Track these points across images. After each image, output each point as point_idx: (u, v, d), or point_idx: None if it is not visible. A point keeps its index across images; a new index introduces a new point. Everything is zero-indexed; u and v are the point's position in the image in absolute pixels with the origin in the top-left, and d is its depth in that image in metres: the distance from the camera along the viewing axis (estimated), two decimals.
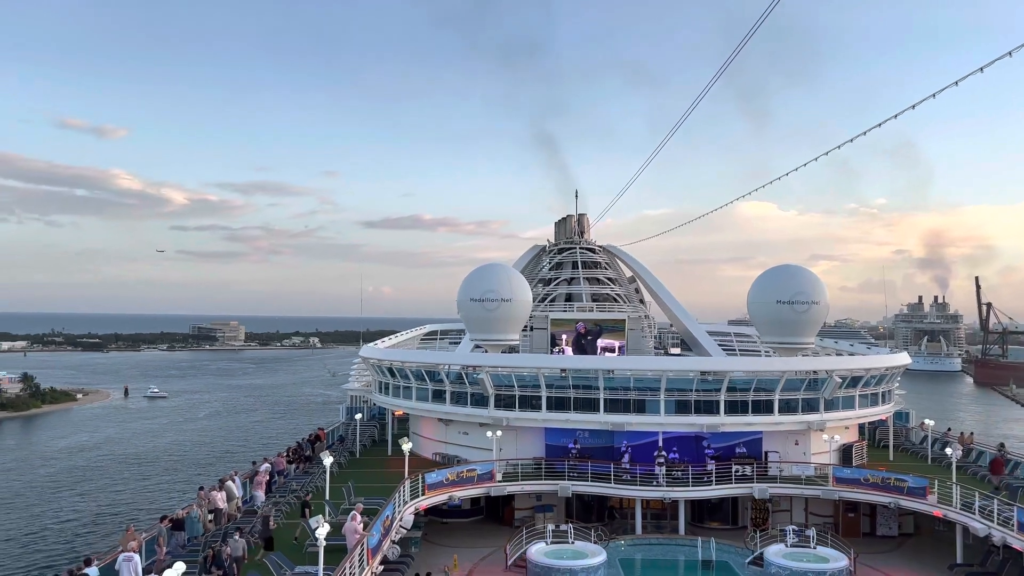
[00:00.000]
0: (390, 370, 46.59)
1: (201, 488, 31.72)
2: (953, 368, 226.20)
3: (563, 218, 63.55)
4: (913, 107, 34.67)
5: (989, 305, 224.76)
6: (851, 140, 37.36)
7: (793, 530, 35.34)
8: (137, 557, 23.34)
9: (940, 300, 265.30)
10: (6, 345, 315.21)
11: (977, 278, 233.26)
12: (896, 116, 35.70)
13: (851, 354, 50.29)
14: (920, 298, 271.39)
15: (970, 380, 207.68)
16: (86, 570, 22.05)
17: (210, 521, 29.60)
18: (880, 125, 37.24)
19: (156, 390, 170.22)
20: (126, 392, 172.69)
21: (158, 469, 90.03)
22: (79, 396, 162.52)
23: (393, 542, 30.76)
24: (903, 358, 47.24)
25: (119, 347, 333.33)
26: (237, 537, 22.99)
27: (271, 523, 29.53)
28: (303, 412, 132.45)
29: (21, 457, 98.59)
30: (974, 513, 33.13)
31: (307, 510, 31.99)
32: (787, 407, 41.48)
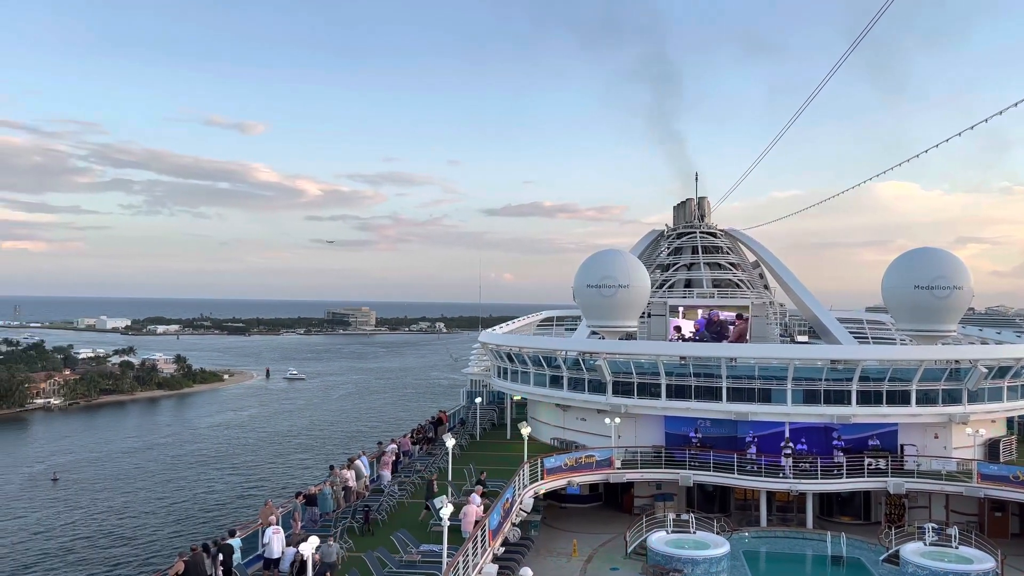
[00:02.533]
0: (508, 355, 47.27)
1: (332, 467, 33.40)
2: None
3: (682, 202, 62.10)
4: None
5: None
6: (1000, 113, 33.84)
7: (933, 528, 33.46)
8: (282, 530, 24.96)
9: None
10: (161, 329, 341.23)
11: None
12: None
13: (998, 342, 46.72)
14: None
15: None
16: (229, 540, 23.74)
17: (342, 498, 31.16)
18: None
19: (295, 372, 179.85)
20: (267, 374, 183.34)
21: (295, 447, 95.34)
22: (226, 377, 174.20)
23: (513, 524, 31.36)
24: None
25: (261, 331, 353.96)
26: (331, 543, 23.41)
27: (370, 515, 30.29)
28: (428, 395, 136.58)
29: (174, 432, 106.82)
30: None
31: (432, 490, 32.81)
32: (926, 398, 39.13)
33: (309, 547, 19.19)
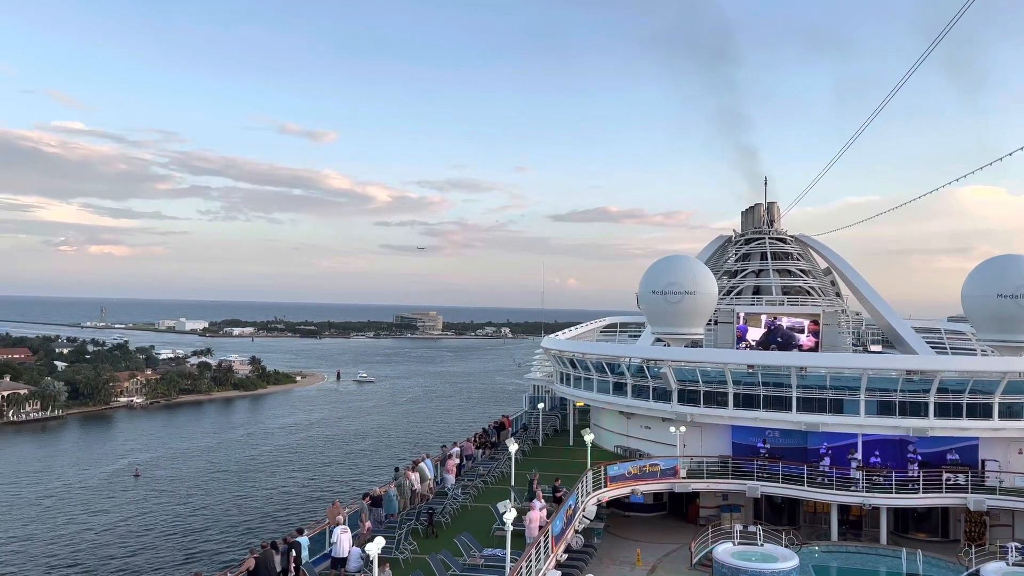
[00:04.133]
0: (571, 361, 47.19)
1: (397, 468, 33.93)
2: None
3: (751, 207, 60.91)
4: None
5: None
6: None
7: (1016, 547, 32.01)
8: (349, 530, 25.55)
9: None
10: (236, 331, 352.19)
11: None
12: None
13: None
14: None
15: None
16: (298, 539, 24.38)
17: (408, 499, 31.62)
18: None
19: (364, 375, 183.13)
20: (338, 376, 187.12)
21: (363, 448, 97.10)
22: (298, 378, 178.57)
23: (576, 531, 31.30)
24: None
25: (332, 334, 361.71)
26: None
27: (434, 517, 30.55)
28: (493, 399, 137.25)
29: (248, 432, 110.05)
30: None
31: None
32: (1009, 412, 37.46)
33: (375, 547, 19.56)
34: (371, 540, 19.84)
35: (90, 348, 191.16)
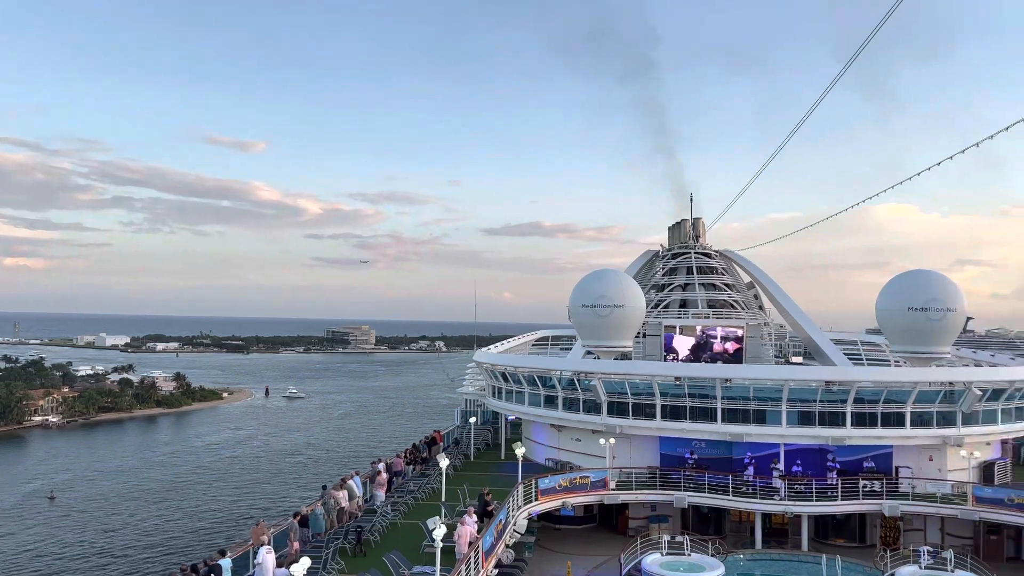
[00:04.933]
0: (503, 375, 47.32)
1: (325, 487, 33.37)
2: None
3: (677, 222, 62.42)
4: None
5: None
6: (991, 137, 34.15)
7: (928, 551, 33.31)
8: (274, 551, 24.98)
9: None
10: (160, 346, 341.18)
11: None
12: None
13: (992, 364, 46.81)
14: None
15: None
16: (220, 561, 23.72)
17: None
18: None
19: (294, 390, 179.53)
20: (267, 392, 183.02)
21: (292, 465, 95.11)
22: (225, 395, 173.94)
23: (507, 546, 31.27)
24: None
25: (260, 349, 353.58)
26: None
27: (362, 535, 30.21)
28: (427, 414, 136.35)
29: (171, 451, 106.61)
30: None
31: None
32: (920, 420, 39.15)
33: (301, 568, 19.20)
34: (297, 560, 19.49)
35: (1, 365, 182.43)
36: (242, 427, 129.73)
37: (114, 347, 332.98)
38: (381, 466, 38.57)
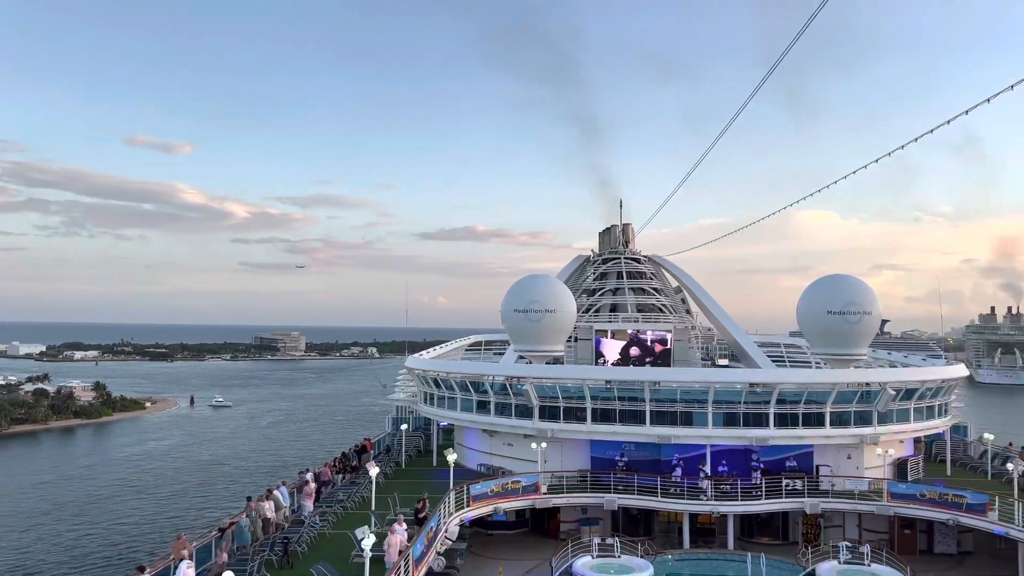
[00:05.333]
0: (435, 381, 47.09)
1: (249, 498, 32.55)
2: None
3: (607, 228, 63.41)
4: (988, 100, 30.37)
5: None
6: (902, 147, 35.84)
7: (846, 546, 34.47)
8: (194, 565, 24.27)
9: (1014, 311, 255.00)
10: (79, 355, 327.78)
11: None
12: (967, 112, 31.70)
13: (905, 365, 48.88)
14: (992, 309, 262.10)
15: None
16: None
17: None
18: (949, 123, 33.05)
19: (220, 399, 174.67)
20: (192, 401, 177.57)
21: (218, 476, 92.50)
22: (147, 404, 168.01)
23: (438, 553, 31.07)
24: (960, 370, 45.73)
25: (185, 357, 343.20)
26: None
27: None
28: (359, 422, 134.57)
29: (90, 464, 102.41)
30: None
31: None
32: (839, 420, 40.57)
33: None
34: (228, 572, 19.06)
35: None
36: (165, 437, 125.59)
37: (28, 356, 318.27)
38: (309, 476, 37.89)
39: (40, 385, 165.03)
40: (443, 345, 60.61)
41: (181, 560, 23.68)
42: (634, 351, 53.71)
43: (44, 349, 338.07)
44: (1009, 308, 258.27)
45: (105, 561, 58.48)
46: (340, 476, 42.30)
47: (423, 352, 56.49)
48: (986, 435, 46.71)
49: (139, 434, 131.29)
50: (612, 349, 54.02)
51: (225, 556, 26.97)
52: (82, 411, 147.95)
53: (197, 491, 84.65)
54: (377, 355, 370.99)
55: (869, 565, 32.99)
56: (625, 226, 62.60)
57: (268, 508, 31.07)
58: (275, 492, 32.67)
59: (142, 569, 23.90)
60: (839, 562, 33.41)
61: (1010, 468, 36.99)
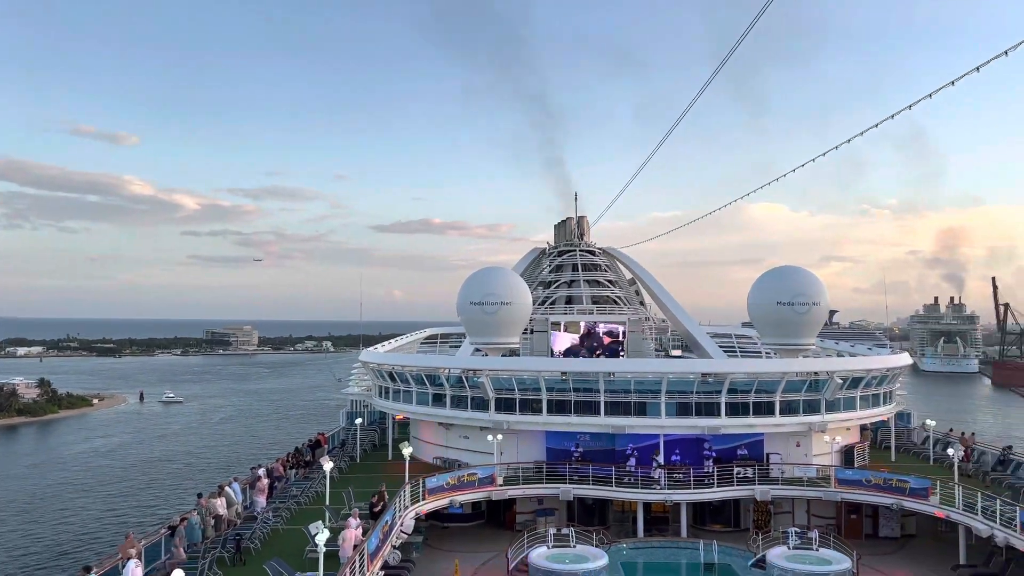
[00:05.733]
0: (390, 374, 46.85)
1: (200, 495, 32.03)
2: (970, 369, 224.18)
3: (562, 220, 63.73)
4: (931, 96, 31.01)
5: (1007, 306, 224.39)
6: (848, 141, 36.68)
7: (796, 532, 35.30)
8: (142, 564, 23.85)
9: (956, 301, 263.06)
10: (22, 351, 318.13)
11: (994, 278, 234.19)
12: (911, 107, 32.37)
13: (852, 355, 50.15)
14: (936, 299, 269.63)
15: (988, 381, 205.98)
16: None
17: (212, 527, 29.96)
18: (893, 117, 33.83)
19: (171, 395, 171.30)
20: (141, 397, 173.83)
21: (169, 474, 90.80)
22: (95, 401, 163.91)
23: (394, 547, 30.96)
24: (904, 359, 47.11)
25: (133, 352, 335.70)
26: None
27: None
28: (314, 417, 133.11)
29: (36, 463, 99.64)
30: (976, 514, 32.98)
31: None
32: (788, 409, 41.47)
33: None
34: (177, 570, 18.78)
35: None
36: (114, 435, 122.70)
37: None
38: (261, 471, 37.40)
39: None
40: (398, 339, 60.33)
41: (129, 559, 23.21)
42: (585, 343, 54.08)
43: None
44: (952, 298, 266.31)
45: (51, 562, 57.02)
46: (293, 471, 41.86)
47: (378, 346, 56.15)
48: (928, 421, 48.20)
49: (86, 432, 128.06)
50: (563, 342, 54.24)
51: (183, 552, 26.60)
52: (26, 409, 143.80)
53: (146, 489, 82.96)
54: (332, 349, 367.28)
55: (817, 550, 33.83)
56: (580, 219, 63.00)
57: (220, 505, 30.61)
58: (227, 488, 32.23)
59: (88, 569, 23.37)
60: (788, 547, 34.21)
61: (951, 453, 38.18)
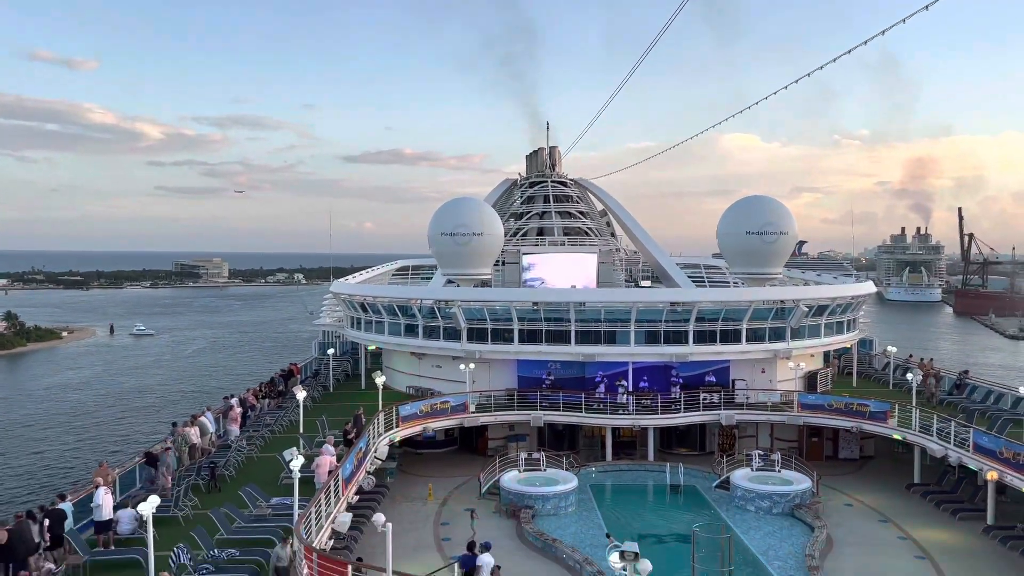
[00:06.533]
0: (362, 305, 46.88)
1: (175, 424, 32.26)
2: (934, 298, 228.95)
3: (534, 151, 63.16)
4: (904, 21, 30.06)
5: (971, 236, 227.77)
6: (820, 68, 36.33)
7: (759, 455, 36.47)
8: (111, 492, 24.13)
9: (922, 231, 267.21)
10: None
11: (960, 209, 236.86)
12: (884, 32, 31.49)
13: (817, 284, 51.04)
14: (903, 229, 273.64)
15: (950, 310, 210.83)
16: (60, 505, 22.63)
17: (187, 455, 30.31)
18: (866, 43, 32.70)
19: (142, 327, 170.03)
20: (111, 330, 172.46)
21: (142, 406, 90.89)
22: (64, 334, 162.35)
23: (368, 473, 31.55)
24: (867, 287, 48.05)
25: (101, 284, 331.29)
26: (280, 547, 20.95)
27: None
28: (286, 348, 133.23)
29: (4, 396, 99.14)
30: (932, 435, 34.23)
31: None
32: (754, 336, 42.31)
33: (149, 507, 18.66)
34: (154, 496, 19.06)
35: None
36: (85, 367, 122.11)
37: None
38: (234, 401, 37.64)
39: None
40: (369, 270, 60.14)
41: (98, 487, 23.46)
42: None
43: None
44: (918, 228, 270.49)
45: (26, 491, 57.38)
46: (266, 401, 42.15)
47: (349, 277, 55.99)
48: (889, 348, 49.51)
49: (56, 364, 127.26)
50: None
51: (169, 480, 26.95)
52: None
53: (120, 421, 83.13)
54: (304, 281, 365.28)
55: (779, 471, 35.06)
56: (552, 149, 62.45)
57: (194, 434, 30.88)
58: (201, 418, 32.45)
59: (63, 496, 23.66)
60: (752, 469, 35.41)
61: (909, 378, 39.36)
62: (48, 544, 21.16)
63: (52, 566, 20.29)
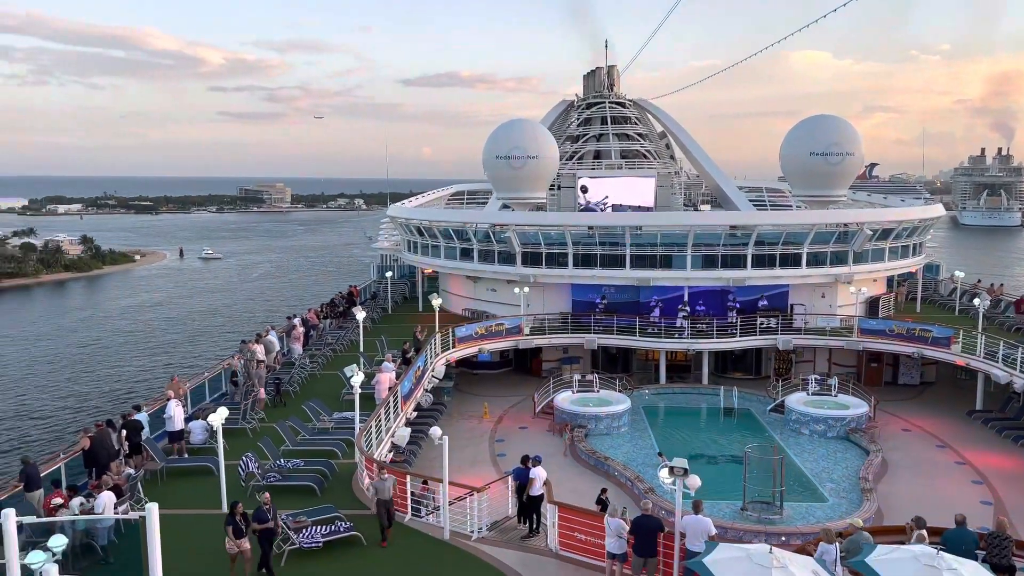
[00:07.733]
0: (419, 229, 47.36)
1: (243, 341, 33.58)
2: (1013, 223, 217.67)
3: (592, 71, 61.52)
4: None
5: None
6: None
7: (815, 379, 36.22)
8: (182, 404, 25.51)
9: (1004, 152, 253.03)
10: (62, 208, 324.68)
11: None
12: None
13: (884, 207, 49.39)
14: (982, 150, 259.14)
15: None
16: (136, 416, 24.00)
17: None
18: None
19: (209, 251, 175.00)
20: (181, 253, 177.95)
21: (212, 325, 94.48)
22: (137, 257, 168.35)
23: (426, 391, 32.54)
24: (935, 210, 46.34)
25: (170, 209, 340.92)
26: (385, 476, 20.56)
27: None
28: (348, 271, 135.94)
29: (84, 316, 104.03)
30: (997, 361, 33.42)
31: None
32: (815, 260, 41.49)
33: (218, 418, 19.68)
34: (214, 411, 20.00)
35: None
36: (158, 289, 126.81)
37: (11, 210, 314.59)
38: (297, 320, 38.89)
39: (27, 239, 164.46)
40: (425, 194, 60.42)
41: (170, 400, 24.78)
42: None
43: (26, 203, 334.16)
44: (999, 149, 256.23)
45: (105, 402, 60.76)
46: (328, 321, 43.40)
47: (405, 201, 56.42)
48: (956, 272, 48.00)
49: (131, 286, 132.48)
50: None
51: (263, 393, 28.25)
52: (72, 265, 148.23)
53: (192, 339, 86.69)
54: (364, 207, 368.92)
55: (836, 396, 34.83)
56: (610, 68, 60.76)
57: (260, 351, 32.06)
58: (266, 336, 33.65)
59: (138, 408, 25.05)
60: (807, 393, 35.27)
61: (976, 303, 38.26)
62: (127, 452, 22.57)
63: (131, 471, 21.67)
